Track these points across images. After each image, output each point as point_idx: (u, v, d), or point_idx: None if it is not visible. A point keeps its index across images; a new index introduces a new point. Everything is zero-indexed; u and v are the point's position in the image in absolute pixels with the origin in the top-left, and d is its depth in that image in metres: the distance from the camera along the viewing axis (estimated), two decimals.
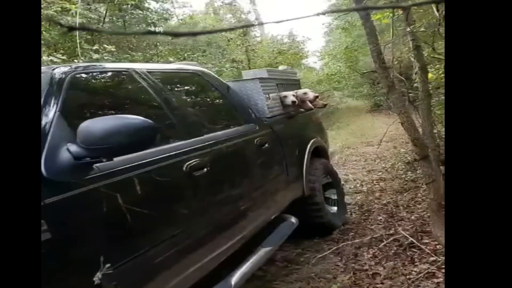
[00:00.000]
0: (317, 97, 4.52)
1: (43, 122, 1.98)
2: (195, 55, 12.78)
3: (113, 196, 1.98)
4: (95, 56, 7.59)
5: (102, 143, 1.89)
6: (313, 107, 4.56)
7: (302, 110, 4.51)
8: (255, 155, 3.42)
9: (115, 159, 2.06)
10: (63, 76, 2.31)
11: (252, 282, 3.39)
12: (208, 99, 3.81)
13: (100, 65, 2.89)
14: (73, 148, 1.92)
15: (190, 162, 2.61)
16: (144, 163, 2.24)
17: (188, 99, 3.47)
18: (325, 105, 5.12)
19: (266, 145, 3.60)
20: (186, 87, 3.60)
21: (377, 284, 3.28)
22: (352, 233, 4.41)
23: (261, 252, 3.19)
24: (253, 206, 3.21)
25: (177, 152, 2.56)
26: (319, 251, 4.04)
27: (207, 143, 2.90)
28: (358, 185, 6.48)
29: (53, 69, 2.35)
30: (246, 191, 3.16)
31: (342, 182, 5.81)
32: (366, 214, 5.01)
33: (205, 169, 2.72)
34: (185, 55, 12.47)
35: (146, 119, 1.99)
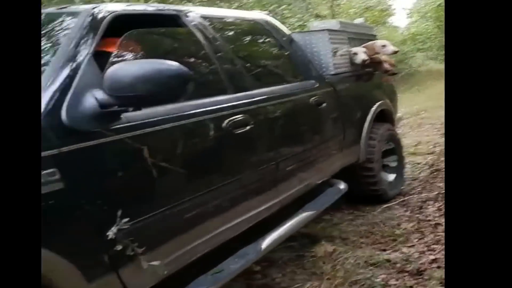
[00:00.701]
0: (396, 52, 4.15)
1: (72, 64, 1.91)
2: (280, 8, 12.42)
3: (138, 149, 1.90)
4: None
5: (130, 91, 1.78)
6: (386, 69, 4.25)
7: (371, 70, 4.23)
8: (308, 114, 3.25)
9: (148, 109, 1.97)
10: (103, 16, 2.22)
11: (319, 223, 3.74)
12: (267, 51, 3.63)
13: (147, 6, 2.78)
14: (99, 95, 1.84)
15: (232, 118, 2.49)
16: (177, 117, 2.15)
17: (244, 50, 3.32)
18: (395, 74, 4.74)
19: (324, 104, 3.40)
20: (244, 37, 3.43)
21: (438, 233, 3.44)
22: (419, 189, 4.56)
23: (301, 217, 3.08)
24: (298, 169, 3.08)
25: (217, 107, 2.44)
26: (385, 202, 4.17)
27: (255, 99, 2.77)
28: (431, 146, 6.42)
29: (93, 8, 2.27)
30: (291, 152, 3.02)
31: (415, 143, 6.38)
32: (435, 173, 5.06)
33: (248, 127, 2.59)
34: (270, 7, 12.13)
35: (181, 66, 1.85)
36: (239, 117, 2.55)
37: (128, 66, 1.85)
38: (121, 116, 1.91)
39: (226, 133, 2.44)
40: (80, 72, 1.90)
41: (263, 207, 2.72)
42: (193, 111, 2.26)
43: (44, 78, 1.82)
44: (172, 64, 1.87)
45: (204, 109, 2.35)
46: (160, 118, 2.07)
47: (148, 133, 1.99)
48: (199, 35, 2.72)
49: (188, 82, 1.89)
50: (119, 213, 1.75)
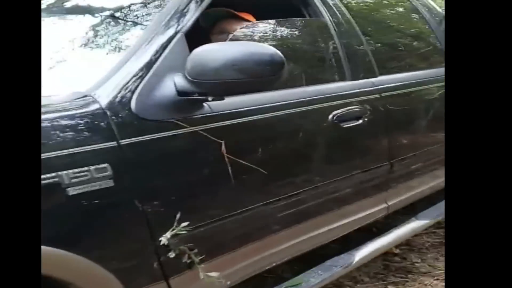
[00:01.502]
0: None
1: (159, 42, 1.72)
2: None
3: (215, 144, 1.68)
4: None
5: (214, 77, 1.56)
6: None
7: None
8: (435, 108, 2.79)
9: (230, 98, 1.74)
10: None
11: None
12: (407, 32, 3.16)
13: None
14: (179, 80, 1.64)
15: (341, 110, 2.17)
16: (265, 108, 1.89)
17: (378, 29, 2.90)
18: None
19: None
20: (381, 12, 3.00)
21: None
22: None
23: (412, 225, 2.69)
24: (415, 172, 2.68)
25: (322, 96, 2.14)
26: None
27: (372, 88, 2.40)
28: None
29: None
30: (410, 152, 2.62)
31: None
32: None
33: (360, 121, 2.26)
34: None
35: (277, 52, 1.60)
36: (350, 108, 2.22)
37: (215, 48, 1.62)
38: (204, 104, 1.70)
39: (330, 127, 2.13)
40: (164, 54, 1.70)
41: (363, 213, 2.40)
42: (290, 101, 1.99)
43: (122, 57, 1.66)
44: (267, 48, 1.61)
45: (304, 99, 2.06)
46: (245, 108, 1.82)
47: (228, 125, 1.76)
48: (321, 9, 2.39)
49: (282, 71, 1.62)
50: (178, 216, 1.56)
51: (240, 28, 2.25)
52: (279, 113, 1.94)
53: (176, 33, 1.78)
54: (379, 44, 2.78)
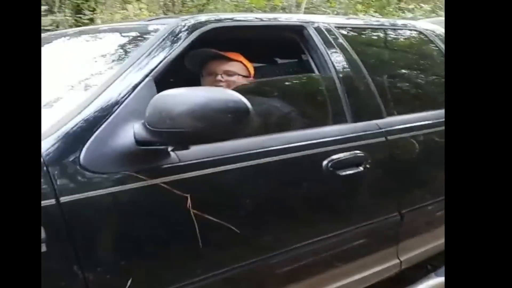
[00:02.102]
0: None
1: (122, 87, 1.57)
2: None
3: (180, 199, 1.50)
4: (409, 15, 7.02)
5: (173, 125, 1.39)
6: None
7: None
8: None
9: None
10: (188, 29, 1.85)
11: None
12: (422, 67, 2.93)
13: (255, 17, 2.35)
14: (138, 128, 1.48)
15: (336, 156, 1.96)
16: (245, 156, 1.70)
17: (385, 65, 2.70)
18: None
19: None
20: (393, 49, 2.79)
21: None
22: None
23: (430, 283, 2.39)
24: (430, 223, 2.41)
25: (311, 142, 1.93)
26: None
27: (375, 131, 2.17)
28: None
29: (184, 19, 1.92)
30: (423, 201, 2.36)
31: None
32: None
33: (361, 168, 2.03)
34: None
35: (241, 99, 1.43)
36: (348, 154, 2.00)
37: (174, 94, 1.45)
38: (171, 154, 1.53)
39: (323, 175, 1.92)
40: (127, 100, 1.55)
41: (371, 271, 2.14)
42: (272, 147, 1.79)
43: (81, 102, 1.52)
44: (230, 95, 1.44)
45: (291, 145, 1.85)
46: (218, 157, 1.64)
47: (197, 177, 1.58)
48: (319, 45, 2.21)
49: (246, 119, 1.43)
50: (129, 284, 1.37)
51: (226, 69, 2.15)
52: (259, 161, 1.74)
53: (144, 77, 1.63)
54: (388, 82, 2.56)
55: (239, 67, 2.25)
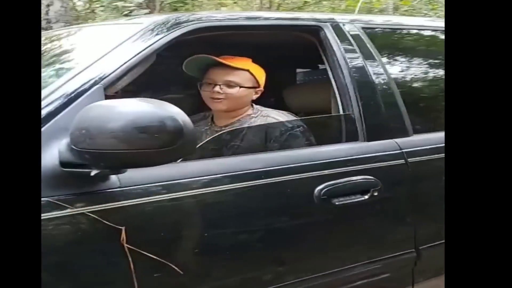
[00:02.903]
0: None
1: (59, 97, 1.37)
2: None
3: (112, 232, 1.27)
4: None
5: (93, 146, 1.18)
6: None
7: None
8: None
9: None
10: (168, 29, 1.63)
11: None
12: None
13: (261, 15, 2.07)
14: (63, 147, 1.27)
15: (333, 182, 1.65)
16: (202, 181, 1.45)
17: (418, 75, 2.32)
18: None
19: None
20: (428, 56, 2.39)
21: None
22: None
23: None
24: None
25: (307, 163, 1.66)
26: None
27: (392, 152, 1.84)
28: None
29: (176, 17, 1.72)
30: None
31: None
32: None
33: (366, 196, 1.71)
34: None
35: (173, 116, 1.19)
36: (357, 178, 1.70)
37: (100, 108, 1.23)
38: (112, 177, 1.31)
39: (316, 204, 1.62)
40: (67, 109, 1.35)
41: None
42: (242, 171, 1.52)
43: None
44: (160, 110, 1.20)
45: (270, 168, 1.58)
46: (167, 182, 1.39)
47: (138, 206, 1.34)
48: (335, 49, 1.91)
49: (179, 141, 1.18)
50: None
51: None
52: (223, 187, 1.47)
53: (92, 85, 1.42)
54: (420, 93, 2.20)
55: (244, 77, 1.96)
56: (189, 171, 1.45)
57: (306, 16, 2.21)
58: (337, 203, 1.65)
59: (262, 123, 1.95)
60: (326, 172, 1.67)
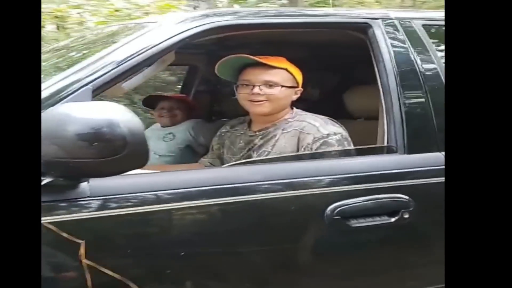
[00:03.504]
0: None
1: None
2: None
3: (70, 247, 1.18)
4: None
5: (44, 153, 1.10)
6: None
7: None
8: None
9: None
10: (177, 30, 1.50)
11: None
12: None
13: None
14: None
15: (351, 201, 1.43)
16: (178, 194, 1.30)
17: None
18: None
19: None
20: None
21: None
22: None
23: None
24: None
25: (317, 177, 1.45)
26: None
27: (435, 168, 1.56)
28: None
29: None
30: None
31: None
32: None
33: (393, 219, 1.46)
34: None
35: (118, 121, 1.09)
36: (381, 197, 1.48)
37: (52, 111, 1.15)
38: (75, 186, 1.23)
39: (325, 225, 1.41)
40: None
41: None
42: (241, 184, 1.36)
43: None
44: (102, 114, 1.09)
45: (264, 182, 1.39)
46: (130, 194, 1.27)
47: (100, 219, 1.23)
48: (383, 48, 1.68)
49: (124, 150, 1.06)
50: None
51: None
52: (201, 202, 1.32)
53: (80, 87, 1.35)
54: None
55: (283, 76, 1.78)
56: (180, 181, 1.32)
57: (357, 13, 1.96)
58: (353, 225, 1.42)
59: (297, 128, 1.76)
60: (343, 188, 1.45)
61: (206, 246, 1.32)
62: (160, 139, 2.50)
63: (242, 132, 1.92)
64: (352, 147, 1.71)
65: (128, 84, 1.58)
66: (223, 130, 2.02)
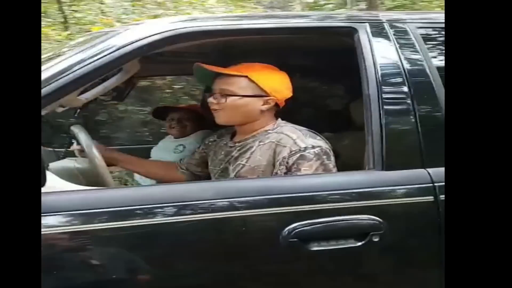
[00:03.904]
0: None
1: None
2: None
3: None
4: None
5: None
6: None
7: None
8: None
9: None
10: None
11: None
12: None
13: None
14: None
15: (305, 223, 1.31)
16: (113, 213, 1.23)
17: None
18: None
19: None
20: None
21: None
22: None
23: None
24: None
25: (272, 196, 1.34)
26: None
27: (424, 185, 1.43)
28: None
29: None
30: None
31: None
32: None
33: (359, 242, 1.33)
34: None
35: None
36: (347, 219, 1.36)
37: None
38: None
39: (281, 249, 1.29)
40: None
41: None
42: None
43: None
44: None
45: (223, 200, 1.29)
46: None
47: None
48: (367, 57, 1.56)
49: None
50: None
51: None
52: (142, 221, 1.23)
53: None
54: None
55: (241, 85, 1.66)
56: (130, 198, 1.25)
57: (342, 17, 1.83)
58: (312, 248, 1.30)
59: (273, 140, 1.65)
60: (303, 208, 1.33)
61: (143, 266, 1.24)
62: (171, 151, 2.46)
63: (225, 142, 1.83)
64: (332, 161, 1.59)
65: (87, 95, 1.52)
66: (210, 139, 1.94)
